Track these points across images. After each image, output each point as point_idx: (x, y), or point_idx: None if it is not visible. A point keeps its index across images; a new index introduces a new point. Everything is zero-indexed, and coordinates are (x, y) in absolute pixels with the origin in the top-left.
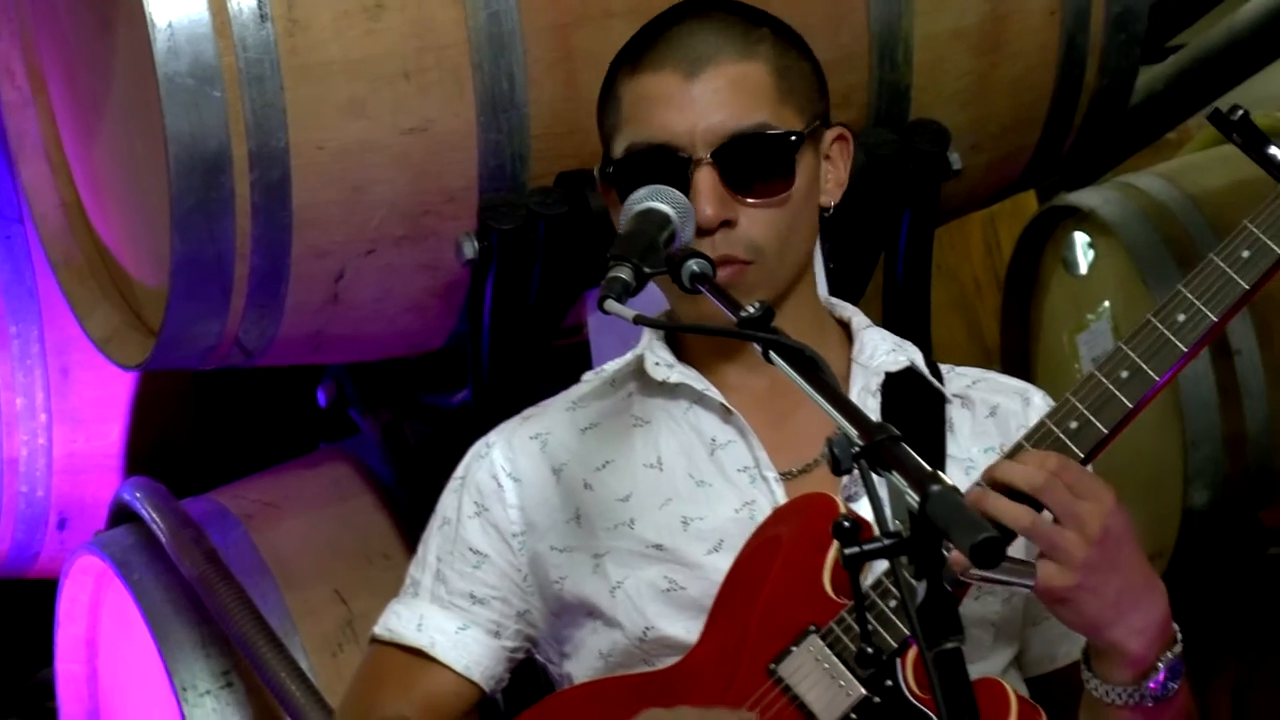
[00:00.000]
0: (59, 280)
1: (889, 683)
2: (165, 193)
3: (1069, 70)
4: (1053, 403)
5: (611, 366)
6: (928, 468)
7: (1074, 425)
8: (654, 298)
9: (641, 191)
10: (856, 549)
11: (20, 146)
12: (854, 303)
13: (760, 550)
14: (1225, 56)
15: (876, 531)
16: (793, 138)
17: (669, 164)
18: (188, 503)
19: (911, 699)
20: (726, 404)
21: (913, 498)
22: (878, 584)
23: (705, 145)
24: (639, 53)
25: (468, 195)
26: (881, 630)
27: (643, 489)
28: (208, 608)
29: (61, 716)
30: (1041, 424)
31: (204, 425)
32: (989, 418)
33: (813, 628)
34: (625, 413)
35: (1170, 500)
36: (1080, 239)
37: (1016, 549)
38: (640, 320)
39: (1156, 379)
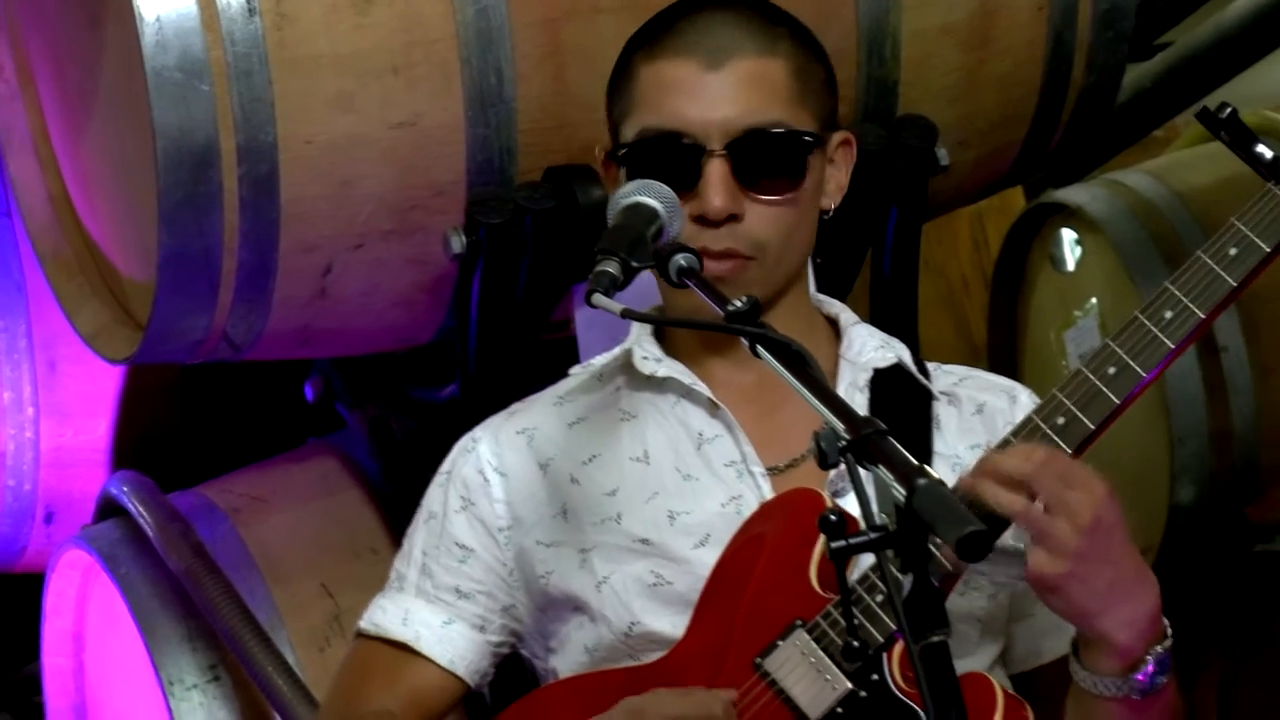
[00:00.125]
0: (47, 274)
1: (875, 677)
2: (153, 187)
3: (1057, 66)
4: (1040, 400)
5: (599, 361)
6: (914, 462)
7: (1061, 421)
8: (642, 292)
9: (629, 186)
10: (843, 542)
11: (8, 141)
12: (841, 299)
13: (746, 545)
14: (1213, 54)
15: (863, 525)
16: (807, 138)
17: (681, 152)
18: (175, 497)
19: (898, 693)
20: (714, 398)
21: (899, 491)
22: (864, 579)
23: (720, 137)
24: (658, 36)
25: (456, 190)
26: (868, 625)
27: (629, 483)
28: (195, 602)
29: (48, 711)
30: (1029, 420)
31: (191, 420)
32: (975, 415)
33: (799, 622)
34: (612, 407)
35: (1156, 496)
36: (1068, 236)
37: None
38: (628, 314)
39: (1144, 375)
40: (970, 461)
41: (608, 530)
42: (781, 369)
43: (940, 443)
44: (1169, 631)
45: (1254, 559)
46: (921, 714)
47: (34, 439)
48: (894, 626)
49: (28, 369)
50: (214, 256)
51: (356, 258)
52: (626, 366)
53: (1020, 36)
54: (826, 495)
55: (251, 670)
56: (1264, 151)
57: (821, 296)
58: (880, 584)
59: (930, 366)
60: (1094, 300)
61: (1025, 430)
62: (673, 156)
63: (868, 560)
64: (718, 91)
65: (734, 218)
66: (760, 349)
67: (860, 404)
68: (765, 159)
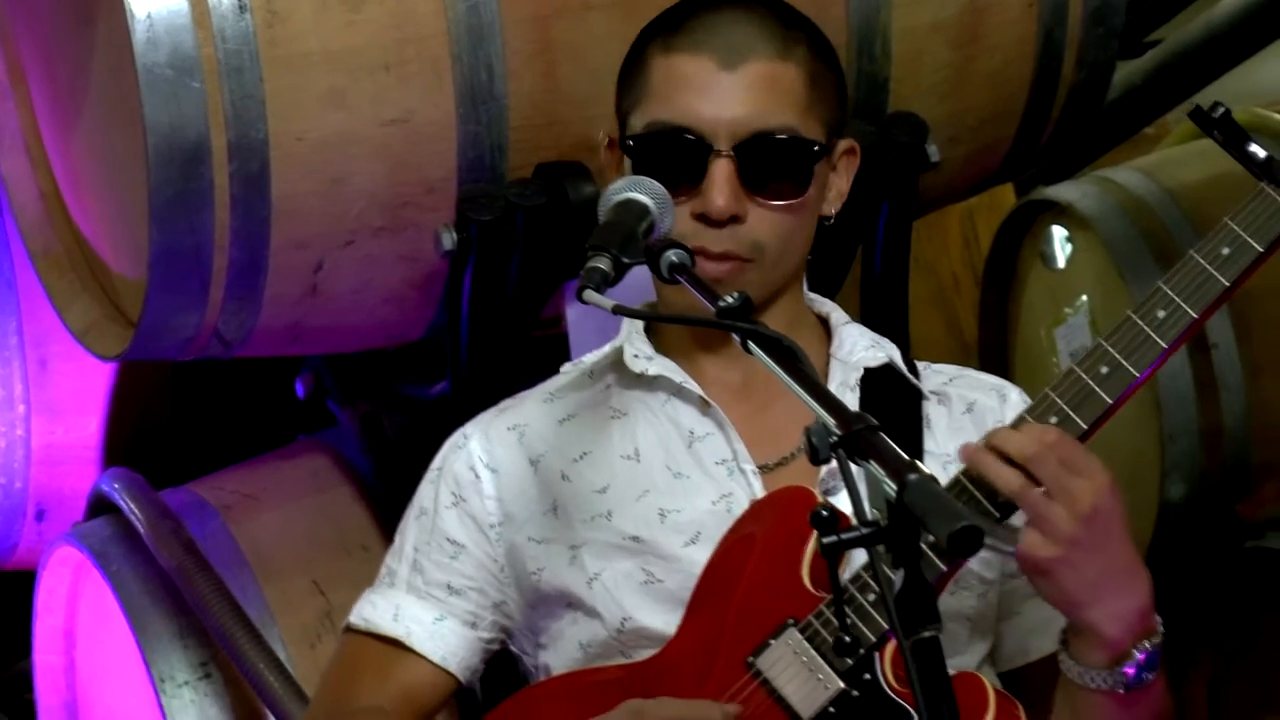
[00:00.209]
0: (38, 272)
1: (867, 676)
2: (144, 184)
3: (1047, 63)
4: (1030, 400)
5: (590, 358)
6: (905, 457)
7: (1054, 420)
8: (632, 289)
9: (620, 182)
10: (834, 538)
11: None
12: (831, 296)
13: (738, 543)
14: (1204, 51)
15: (854, 521)
16: (815, 147)
17: (688, 149)
18: (166, 494)
19: (889, 692)
20: (705, 396)
21: (890, 487)
22: (856, 578)
23: (729, 137)
24: (676, 30)
25: (447, 186)
26: (860, 623)
27: (620, 481)
28: (186, 599)
29: (39, 708)
30: (1022, 419)
31: (182, 417)
32: (966, 414)
33: (791, 621)
34: (603, 404)
35: (1147, 494)
36: (1058, 233)
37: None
38: (619, 310)
39: (1136, 375)
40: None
41: (598, 527)
42: (772, 364)
43: (931, 442)
44: (1159, 628)
45: (1244, 556)
46: (913, 713)
47: (25, 436)
48: (886, 625)
49: (18, 366)
50: (205, 253)
51: (347, 255)
52: (618, 364)
53: (1010, 33)
54: (818, 493)
55: (243, 667)
56: (1257, 151)
57: (813, 296)
58: (872, 582)
59: (920, 366)
60: (1084, 297)
61: (1019, 425)
62: (679, 152)
63: (859, 559)
64: (730, 91)
65: (736, 219)
66: (751, 344)
67: (851, 403)
68: (771, 163)
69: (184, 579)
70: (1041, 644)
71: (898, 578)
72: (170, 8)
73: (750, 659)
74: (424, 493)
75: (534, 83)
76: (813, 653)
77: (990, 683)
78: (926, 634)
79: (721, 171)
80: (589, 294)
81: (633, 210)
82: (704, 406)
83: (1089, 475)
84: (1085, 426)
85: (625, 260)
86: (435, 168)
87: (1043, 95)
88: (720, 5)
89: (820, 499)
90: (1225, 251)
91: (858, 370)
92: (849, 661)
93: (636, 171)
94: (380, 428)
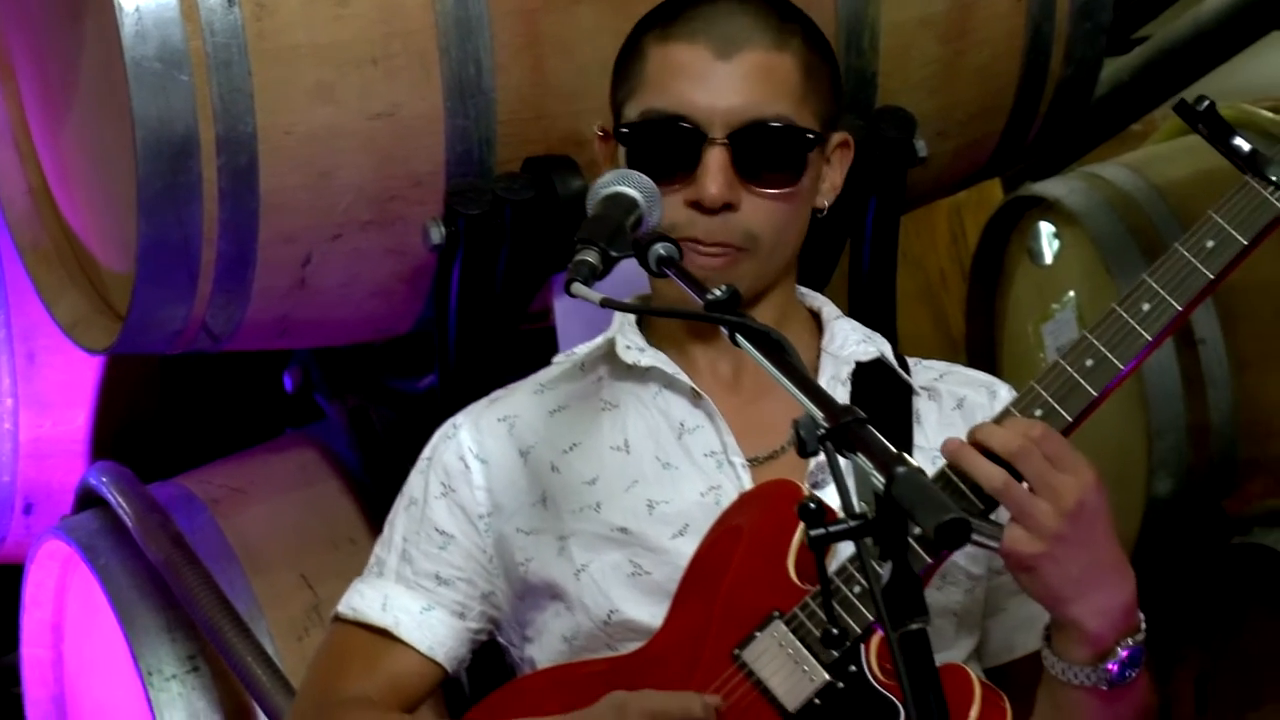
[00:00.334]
0: (26, 265)
1: (853, 668)
2: (132, 178)
3: (1034, 58)
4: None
5: (582, 350)
6: (893, 450)
7: (1039, 413)
8: (624, 281)
9: (608, 176)
10: (822, 530)
11: None
12: (819, 290)
13: (725, 535)
14: (1191, 48)
15: (841, 515)
16: (809, 135)
17: (683, 137)
18: (154, 488)
19: (875, 684)
20: (696, 388)
21: (878, 479)
22: (842, 570)
23: (723, 126)
24: (672, 19)
25: (435, 180)
26: (846, 616)
27: (609, 472)
28: (174, 592)
29: (27, 701)
30: (1007, 411)
31: (170, 410)
32: (955, 410)
33: (777, 613)
34: (594, 396)
35: (1134, 489)
36: (1045, 229)
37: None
38: (607, 303)
39: (1121, 368)
40: None
41: (586, 519)
42: (760, 357)
43: (920, 437)
44: (1143, 625)
45: (1231, 552)
46: (899, 706)
47: (13, 430)
48: (872, 618)
49: (7, 360)
50: (193, 247)
51: (335, 248)
52: (609, 356)
53: (998, 28)
54: (805, 486)
55: (230, 660)
56: (1241, 144)
57: (804, 290)
58: (858, 575)
59: (911, 361)
60: (1072, 293)
61: (1004, 419)
62: (674, 140)
63: (846, 552)
64: (725, 81)
65: (729, 207)
66: (739, 337)
67: (841, 397)
68: (765, 152)
69: (172, 572)
70: (1027, 641)
71: (884, 570)
72: (158, 1)
73: (736, 651)
74: (413, 483)
75: (522, 76)
76: (798, 645)
77: (976, 675)
78: (914, 626)
79: (716, 160)
80: (577, 287)
81: (621, 204)
82: (695, 398)
83: (1074, 470)
84: (1070, 419)
85: (613, 253)
86: (423, 161)
87: (1031, 90)
88: None
89: (807, 492)
90: (1210, 244)
91: (848, 365)
92: (834, 654)
93: (631, 160)
94: (368, 421)
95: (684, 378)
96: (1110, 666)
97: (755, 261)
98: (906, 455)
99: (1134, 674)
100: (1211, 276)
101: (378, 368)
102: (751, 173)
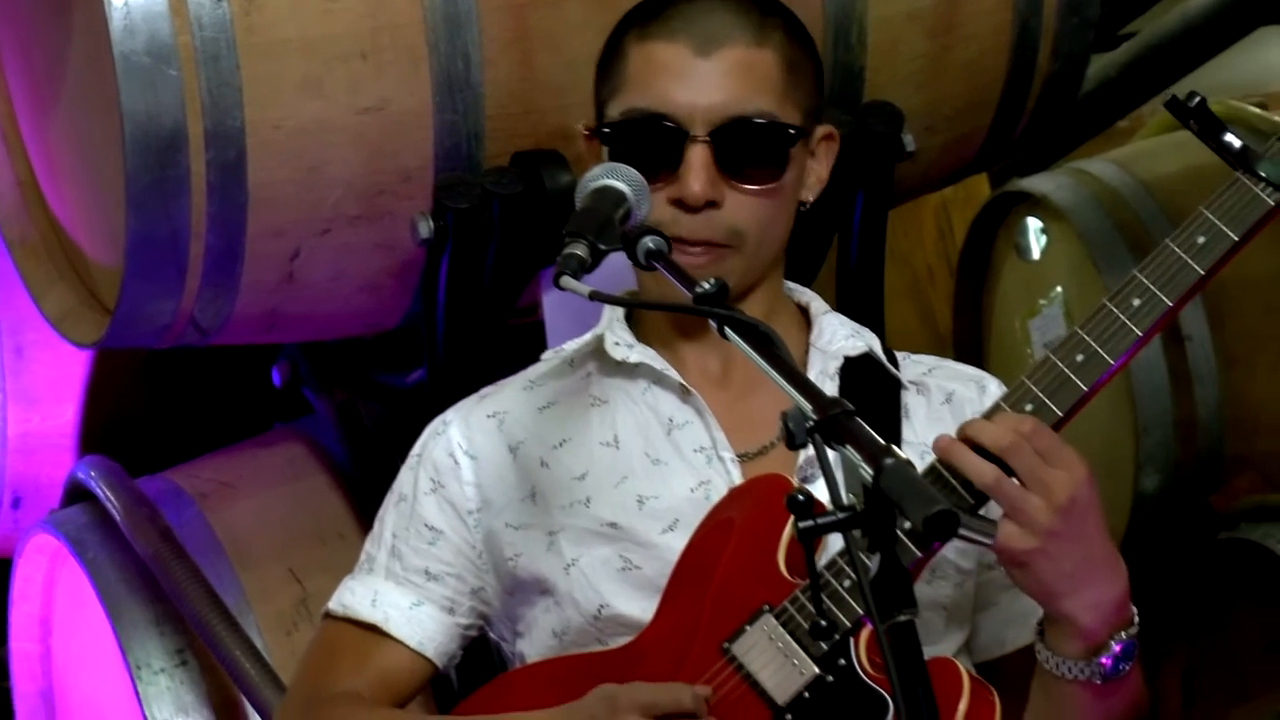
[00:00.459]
0: (14, 259)
1: (842, 662)
2: (121, 172)
3: (1022, 53)
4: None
5: (571, 346)
6: (882, 442)
7: (1029, 408)
8: (611, 280)
9: (597, 169)
10: (811, 522)
11: None
12: (807, 285)
13: (715, 530)
14: (1179, 44)
15: (830, 507)
16: (791, 130)
17: (664, 135)
18: (142, 482)
19: (865, 678)
20: (685, 384)
21: (867, 471)
22: (831, 564)
23: (704, 123)
24: (652, 18)
25: (423, 175)
26: (835, 609)
27: (599, 468)
28: (162, 586)
29: (15, 695)
30: (997, 407)
31: (158, 405)
32: (944, 404)
33: (766, 607)
34: (583, 392)
35: (1121, 485)
36: (1033, 224)
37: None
38: (595, 296)
39: (1111, 363)
40: None
41: (576, 514)
42: (749, 350)
43: (909, 431)
44: (1135, 619)
45: (1218, 548)
46: (888, 699)
47: (0, 424)
48: (861, 610)
49: None
50: (181, 241)
51: (324, 242)
52: (598, 352)
53: (986, 23)
54: (795, 480)
55: (219, 654)
56: (1232, 140)
57: (793, 285)
58: (847, 569)
59: (899, 356)
60: (1059, 289)
61: (995, 415)
62: (656, 139)
63: (835, 546)
64: (706, 78)
65: (712, 204)
66: (728, 330)
67: (830, 391)
68: (748, 148)
69: (160, 566)
70: (1018, 635)
71: (873, 563)
72: None
73: (725, 645)
74: (403, 479)
75: (510, 71)
76: (788, 638)
77: (965, 668)
78: (902, 618)
79: (698, 157)
80: (566, 280)
81: (609, 197)
82: (684, 394)
83: (1066, 465)
84: (1060, 414)
85: (602, 247)
86: (412, 156)
87: (1018, 85)
88: None
89: (796, 486)
90: (1200, 240)
91: (837, 359)
92: (824, 647)
93: (613, 159)
94: (357, 416)
95: (673, 373)
96: (1104, 660)
97: (741, 258)
98: (895, 448)
99: (1127, 667)
100: (1202, 272)
101: (366, 362)
102: (734, 169)
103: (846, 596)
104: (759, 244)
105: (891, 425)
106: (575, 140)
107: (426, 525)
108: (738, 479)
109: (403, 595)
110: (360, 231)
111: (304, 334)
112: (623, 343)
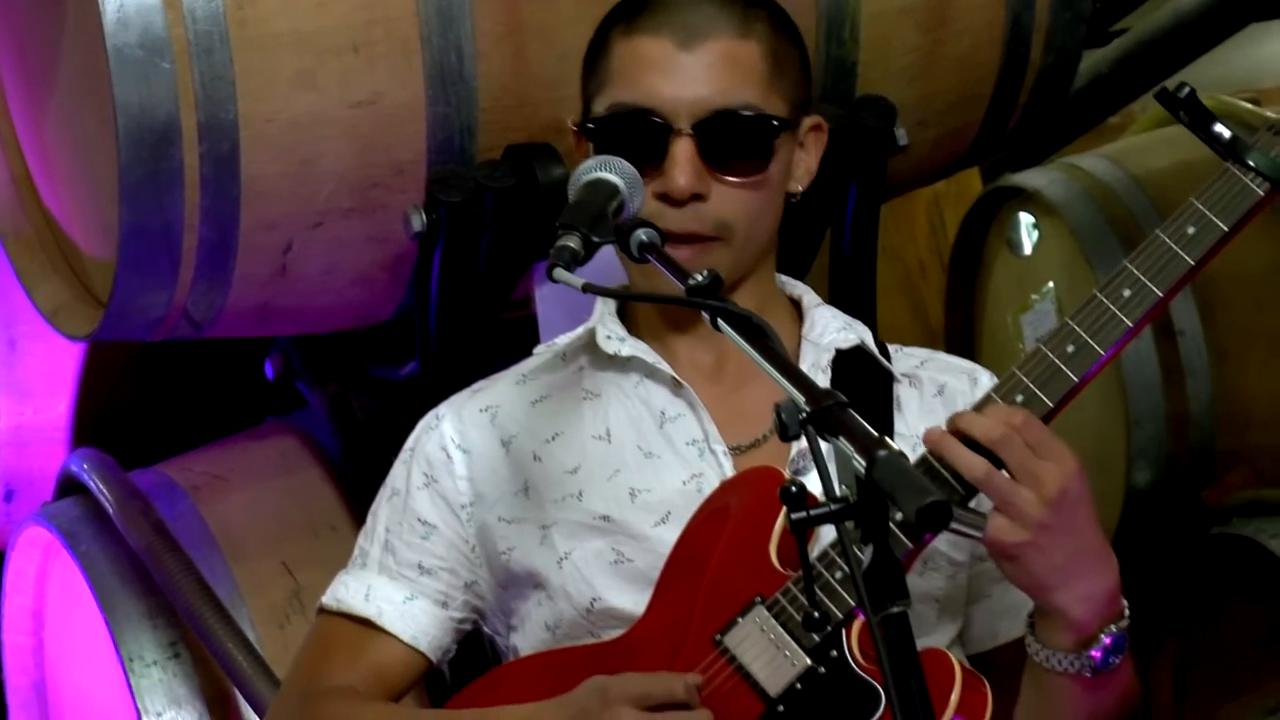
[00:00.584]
0: (7, 252)
1: (834, 653)
2: (114, 165)
3: (1014, 47)
4: None
5: (563, 340)
6: (874, 433)
7: (1020, 399)
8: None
9: (590, 162)
10: (804, 514)
11: None
12: (799, 279)
13: (707, 522)
14: (1170, 40)
15: (823, 499)
16: (775, 122)
17: (649, 130)
18: (135, 475)
19: (857, 669)
20: (677, 377)
21: (859, 463)
22: (823, 556)
23: (688, 117)
24: (636, 13)
25: (416, 168)
26: (827, 600)
27: (591, 461)
28: (155, 579)
29: (8, 688)
30: (988, 398)
31: (151, 398)
32: (936, 397)
33: (759, 599)
34: (575, 386)
35: (1113, 479)
36: (1025, 220)
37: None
38: (589, 288)
39: (1102, 353)
40: None
41: (569, 507)
42: (741, 342)
43: (901, 424)
44: (1126, 612)
45: (1209, 542)
46: (880, 690)
47: None
48: (853, 602)
49: None
50: (175, 234)
51: (317, 236)
52: (590, 346)
53: (978, 17)
54: (787, 473)
55: (212, 647)
56: (1222, 131)
57: (785, 278)
58: (839, 560)
59: (891, 349)
60: (1051, 284)
61: (985, 407)
62: (641, 133)
63: (827, 538)
64: (690, 71)
65: (698, 197)
66: (721, 322)
67: (822, 384)
68: (732, 140)
69: (153, 559)
70: (1011, 628)
71: (866, 555)
72: None
73: (718, 637)
74: (396, 473)
75: (503, 64)
76: (780, 630)
77: (957, 659)
78: (895, 610)
79: (683, 151)
80: (559, 272)
81: (602, 190)
82: (676, 387)
83: (1056, 458)
84: (1051, 405)
85: (595, 239)
86: (404, 149)
87: (1011, 79)
88: None
89: (788, 478)
90: (1191, 231)
91: (829, 352)
92: (816, 638)
93: (599, 152)
94: (349, 409)
95: (665, 367)
96: (1094, 653)
97: (729, 250)
98: (888, 439)
99: (1118, 660)
100: (1192, 263)
101: (359, 355)
102: (719, 162)
103: (838, 588)
104: (747, 236)
105: (884, 418)
106: (568, 134)
107: (419, 520)
108: (730, 472)
109: (396, 589)
110: (353, 225)
111: (297, 327)
112: (614, 336)
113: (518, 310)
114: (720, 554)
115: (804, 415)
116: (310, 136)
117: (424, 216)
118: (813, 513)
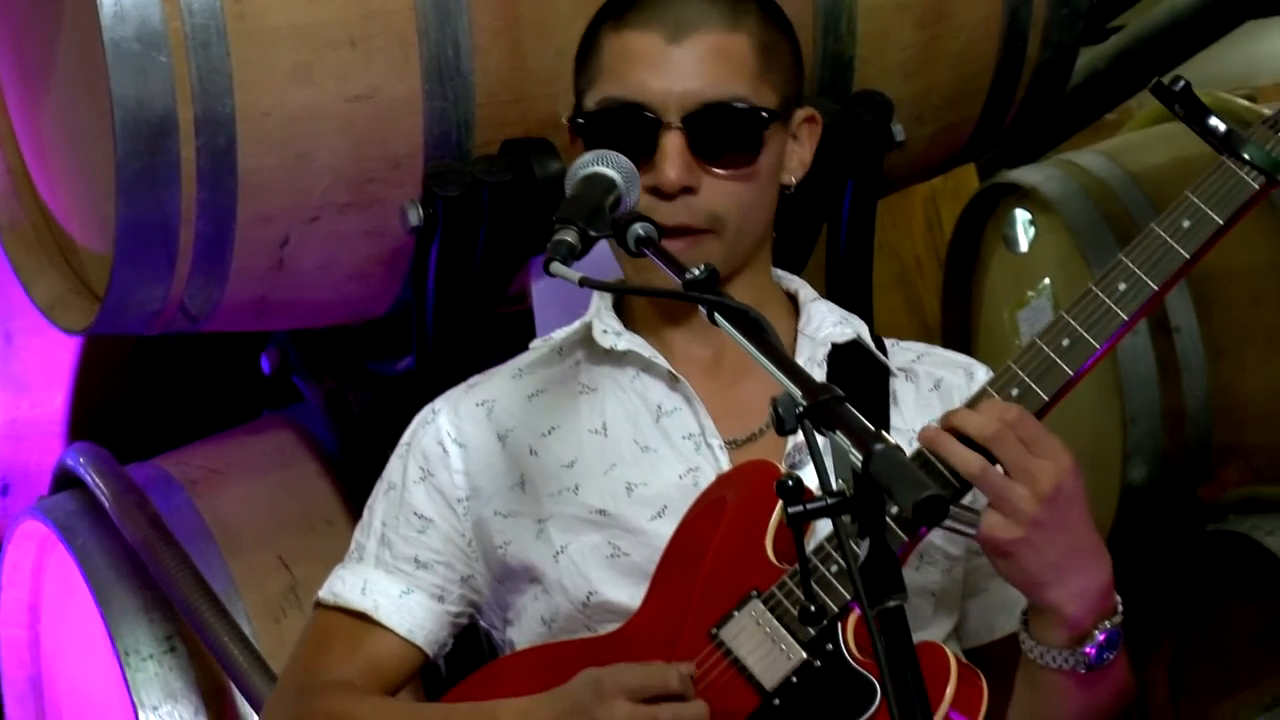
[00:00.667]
0: (4, 246)
1: (830, 646)
2: (111, 158)
3: (1011, 43)
4: None
5: (559, 334)
6: (871, 427)
7: (1015, 392)
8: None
9: (587, 156)
10: (800, 508)
11: None
12: (795, 274)
13: (703, 516)
14: (1167, 37)
15: (819, 493)
16: (764, 114)
17: (639, 124)
18: (131, 469)
19: (852, 663)
20: (673, 371)
21: (856, 456)
22: (819, 549)
23: (678, 110)
24: (625, 8)
25: (413, 162)
26: (823, 594)
27: (588, 455)
28: (151, 573)
29: (4, 681)
30: (984, 391)
31: (147, 392)
32: (933, 391)
33: (754, 592)
34: (572, 380)
35: (1109, 476)
36: (1021, 216)
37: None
38: (585, 282)
39: (1097, 347)
40: None
41: (565, 501)
42: (738, 335)
43: (897, 418)
44: (1120, 607)
45: (1205, 539)
46: (875, 684)
47: None
48: (849, 595)
49: None
50: (171, 227)
51: (313, 230)
52: (586, 340)
53: (975, 12)
54: (783, 466)
55: (208, 641)
56: (1217, 124)
57: (781, 272)
58: (835, 554)
59: (888, 343)
60: (1047, 280)
61: (980, 402)
62: (631, 127)
63: (822, 532)
64: (680, 65)
65: (689, 190)
66: (718, 316)
67: (818, 379)
68: (721, 133)
69: (149, 553)
70: (1007, 622)
71: (862, 549)
72: None
73: (714, 631)
74: (393, 467)
75: (500, 59)
76: (775, 623)
77: (952, 652)
78: (891, 603)
79: (672, 144)
80: (556, 266)
81: (599, 184)
82: (672, 381)
83: (1051, 455)
84: (1046, 398)
85: (592, 233)
86: (401, 144)
87: (1008, 74)
88: None
89: (784, 472)
90: (1186, 224)
91: (825, 346)
92: (811, 632)
93: (590, 148)
94: (346, 404)
95: (661, 361)
96: (1088, 650)
97: (721, 242)
98: (884, 433)
99: (1112, 656)
100: (1188, 256)
101: (355, 350)
102: (709, 154)
103: (834, 581)
104: (739, 228)
105: (880, 412)
106: (564, 129)
107: (416, 514)
108: (726, 466)
109: (392, 583)
110: (350, 219)
111: (293, 321)
112: (611, 330)
113: (514, 305)
114: (716, 548)
115: (801, 409)
116: (307, 130)
117: (421, 211)
118: (809, 507)
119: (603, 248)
